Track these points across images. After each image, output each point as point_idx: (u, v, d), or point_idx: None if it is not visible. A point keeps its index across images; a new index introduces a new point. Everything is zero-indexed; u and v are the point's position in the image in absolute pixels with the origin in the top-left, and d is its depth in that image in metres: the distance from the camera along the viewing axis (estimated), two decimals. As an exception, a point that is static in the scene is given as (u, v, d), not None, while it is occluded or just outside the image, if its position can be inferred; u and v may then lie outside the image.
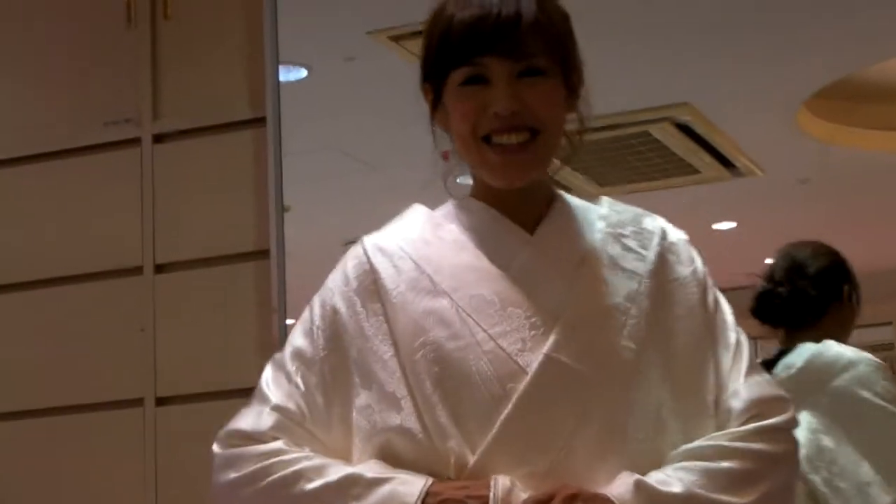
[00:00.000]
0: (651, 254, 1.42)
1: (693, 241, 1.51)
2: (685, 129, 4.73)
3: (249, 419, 1.39)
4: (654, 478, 1.27)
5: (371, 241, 1.45)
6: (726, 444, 1.32)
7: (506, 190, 1.41)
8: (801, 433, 2.29)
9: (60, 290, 2.94)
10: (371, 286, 1.40)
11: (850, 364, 2.55)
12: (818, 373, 2.56)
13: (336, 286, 1.44)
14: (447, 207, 1.49)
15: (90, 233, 2.93)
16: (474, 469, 1.27)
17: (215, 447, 1.39)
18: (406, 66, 3.09)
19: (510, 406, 1.27)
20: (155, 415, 2.64)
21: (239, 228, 2.66)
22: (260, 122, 2.76)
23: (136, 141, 2.91)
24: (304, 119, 2.83)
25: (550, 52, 1.36)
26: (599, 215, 1.47)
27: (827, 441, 2.50)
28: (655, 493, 1.25)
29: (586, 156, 4.87)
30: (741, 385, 1.37)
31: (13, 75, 3.13)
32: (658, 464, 1.30)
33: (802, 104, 4.89)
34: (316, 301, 1.45)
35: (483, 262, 1.39)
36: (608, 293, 1.38)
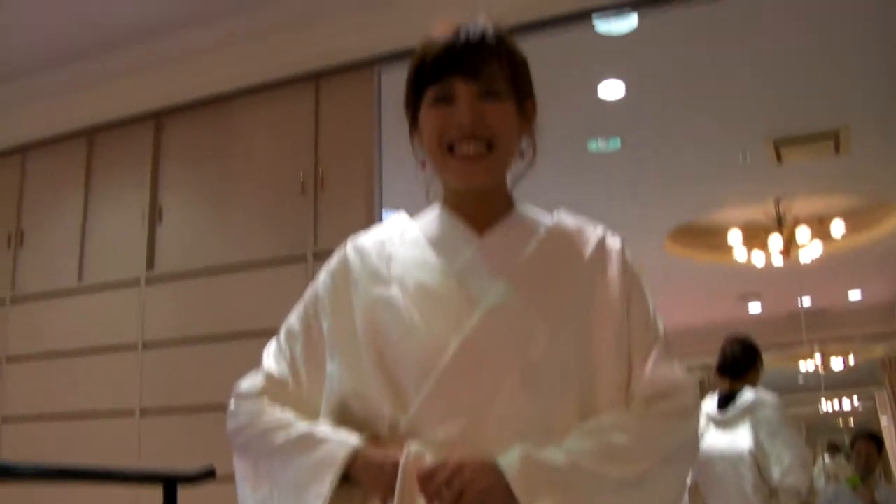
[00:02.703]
0: (585, 258, 1.49)
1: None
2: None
3: (248, 382, 1.58)
4: (546, 451, 1.33)
5: (352, 241, 1.58)
6: (622, 420, 1.39)
7: (467, 195, 1.51)
8: (747, 433, 4.09)
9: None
10: (344, 276, 1.52)
11: (770, 402, 4.20)
12: (756, 405, 4.18)
13: (321, 277, 1.58)
14: (422, 214, 1.58)
15: (277, 302, 3.88)
16: (405, 430, 1.37)
17: (229, 403, 1.58)
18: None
19: (432, 379, 1.36)
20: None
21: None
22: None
23: (304, 256, 4.05)
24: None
25: (507, 80, 1.46)
26: (546, 225, 1.54)
27: (761, 437, 4.05)
28: (540, 462, 1.31)
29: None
30: (648, 370, 1.44)
31: (212, 220, 4.37)
32: (562, 437, 1.35)
33: (666, 236, 7.53)
34: (308, 290, 1.59)
35: (430, 256, 1.48)
36: (535, 288, 1.45)
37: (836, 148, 5.91)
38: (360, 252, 1.54)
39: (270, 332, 3.76)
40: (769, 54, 4.62)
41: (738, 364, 4.31)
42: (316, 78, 4.30)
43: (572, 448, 1.35)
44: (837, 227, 7.37)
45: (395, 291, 1.45)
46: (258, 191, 4.37)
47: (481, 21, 1.48)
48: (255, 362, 3.78)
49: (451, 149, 1.45)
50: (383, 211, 4.03)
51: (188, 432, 4.15)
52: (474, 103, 1.43)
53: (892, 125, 5.49)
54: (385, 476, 1.34)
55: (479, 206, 1.52)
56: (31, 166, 5.14)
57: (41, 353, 4.72)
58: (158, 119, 4.75)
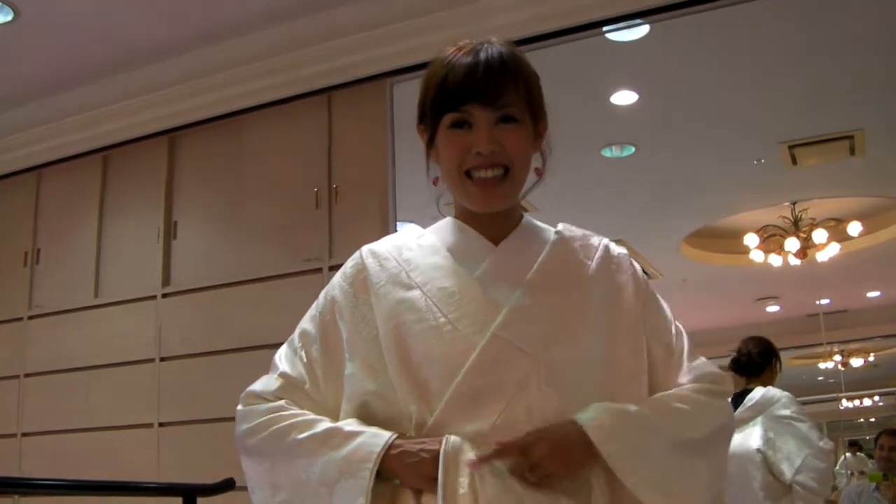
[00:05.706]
0: (593, 263, 1.55)
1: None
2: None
3: (261, 383, 1.57)
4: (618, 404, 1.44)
5: (367, 247, 1.60)
6: (678, 393, 1.50)
7: (482, 213, 1.54)
8: (757, 432, 3.95)
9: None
10: (363, 280, 1.53)
11: (781, 398, 4.07)
12: (766, 401, 4.07)
13: (336, 281, 1.59)
14: (435, 225, 1.62)
15: (293, 315, 4.03)
16: (431, 427, 1.40)
17: (238, 406, 1.57)
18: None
19: (461, 376, 1.39)
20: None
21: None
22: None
23: (319, 270, 4.07)
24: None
25: (523, 104, 1.49)
26: (555, 232, 1.60)
27: (771, 434, 3.95)
28: (615, 409, 1.42)
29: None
30: (686, 367, 1.54)
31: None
32: None
33: (683, 240, 7.53)
34: (322, 294, 1.61)
35: (450, 263, 1.51)
36: (552, 291, 1.49)
37: (851, 150, 5.89)
38: (378, 257, 1.55)
39: (287, 344, 3.71)
40: (781, 59, 4.60)
41: (752, 363, 4.25)
42: (328, 93, 4.31)
43: (640, 406, 1.45)
44: (854, 228, 7.33)
45: (417, 295, 1.47)
46: (273, 205, 4.40)
47: (496, 43, 1.50)
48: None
49: (468, 173, 1.48)
50: (398, 223, 4.07)
51: (206, 444, 4.16)
52: (492, 130, 1.46)
53: (908, 126, 5.45)
54: (425, 466, 1.36)
55: (493, 221, 1.56)
56: (47, 185, 5.20)
57: (59, 368, 4.76)
58: (172, 137, 4.79)
